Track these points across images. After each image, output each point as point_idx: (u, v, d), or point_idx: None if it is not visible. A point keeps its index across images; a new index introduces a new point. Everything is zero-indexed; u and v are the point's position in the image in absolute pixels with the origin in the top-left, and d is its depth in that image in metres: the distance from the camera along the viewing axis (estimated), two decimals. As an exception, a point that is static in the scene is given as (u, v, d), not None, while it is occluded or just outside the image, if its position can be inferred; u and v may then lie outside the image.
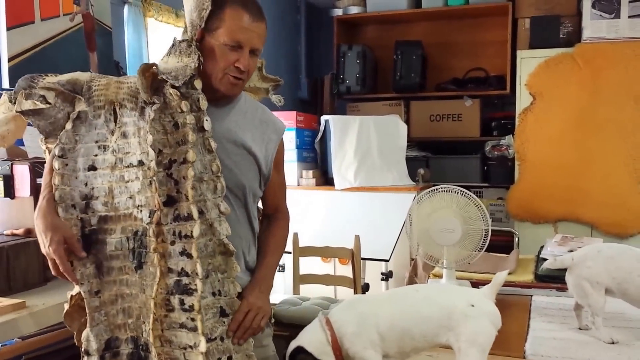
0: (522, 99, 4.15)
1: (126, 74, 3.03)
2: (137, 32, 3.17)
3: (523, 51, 4.21)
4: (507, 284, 2.50)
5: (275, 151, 1.81)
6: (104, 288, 1.57)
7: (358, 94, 4.84)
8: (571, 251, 2.65)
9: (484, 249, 2.46)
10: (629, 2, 3.96)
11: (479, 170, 4.59)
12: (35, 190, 2.13)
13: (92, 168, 1.59)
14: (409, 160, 4.42)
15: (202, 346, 1.48)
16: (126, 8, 3.14)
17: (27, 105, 1.60)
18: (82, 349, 1.58)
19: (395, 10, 4.81)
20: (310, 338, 1.60)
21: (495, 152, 4.45)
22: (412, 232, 2.49)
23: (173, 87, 1.54)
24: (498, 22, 4.59)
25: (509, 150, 4.34)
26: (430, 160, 4.64)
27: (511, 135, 4.32)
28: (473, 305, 1.54)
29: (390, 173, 4.23)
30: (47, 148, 1.71)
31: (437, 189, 2.48)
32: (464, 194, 2.45)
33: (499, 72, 4.61)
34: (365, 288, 3.25)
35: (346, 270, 3.33)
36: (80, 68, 2.69)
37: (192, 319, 1.48)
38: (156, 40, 3.36)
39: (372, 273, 3.56)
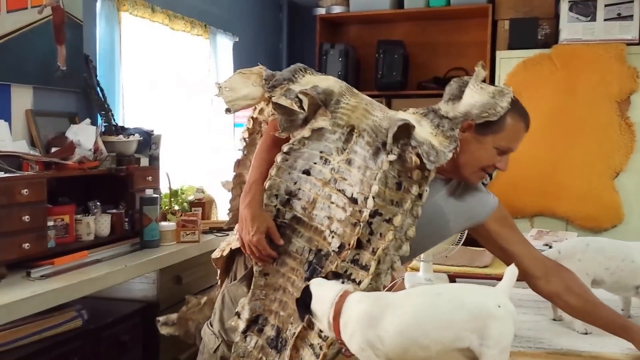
0: (501, 98, 4.22)
1: (96, 68, 3.03)
2: (109, 26, 3.10)
3: (502, 52, 4.30)
4: (483, 276, 2.59)
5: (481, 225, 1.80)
6: (272, 274, 1.70)
7: (341, 92, 4.88)
8: (547, 245, 2.75)
9: (462, 242, 2.54)
10: (605, 5, 4.07)
11: (458, 167, 4.66)
12: None
13: (307, 172, 1.67)
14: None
15: None
16: (99, 1, 3.05)
17: (284, 102, 1.65)
18: (236, 310, 1.74)
19: (378, 11, 4.86)
20: (318, 304, 1.48)
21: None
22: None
23: (417, 155, 1.55)
24: (478, 24, 4.67)
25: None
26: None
27: (490, 133, 4.40)
28: (499, 306, 1.40)
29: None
30: (244, 138, 1.90)
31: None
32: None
33: (479, 72, 4.69)
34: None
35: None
36: (47, 61, 2.72)
37: (320, 347, 1.58)
38: (130, 35, 3.29)
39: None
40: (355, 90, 1.76)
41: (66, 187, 2.55)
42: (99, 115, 3.02)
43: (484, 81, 1.68)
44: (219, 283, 1.98)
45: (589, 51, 4.05)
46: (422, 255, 2.55)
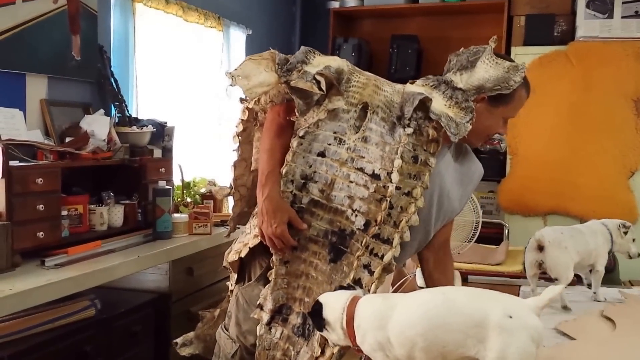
0: (516, 95, 4.20)
1: (110, 59, 3.03)
2: (124, 16, 3.10)
3: (517, 48, 4.26)
4: (496, 274, 2.58)
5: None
6: (293, 261, 1.69)
7: (353, 86, 4.86)
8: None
9: (474, 240, 2.53)
10: (622, 2, 4.03)
11: (471, 163, 4.64)
12: (7, 172, 2.05)
13: (322, 155, 1.67)
14: (402, 152, 4.45)
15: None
16: (113, -9, 3.04)
17: (303, 85, 1.63)
18: (258, 302, 1.72)
19: (392, 5, 4.84)
20: (330, 311, 1.46)
21: (488, 146, 4.51)
22: (405, 222, 2.55)
23: (434, 126, 1.61)
24: (493, 19, 4.63)
25: (501, 144, 4.40)
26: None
27: (504, 130, 4.38)
28: (511, 317, 1.30)
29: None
30: (237, 135, 1.88)
31: (430, 180, 2.53)
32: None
33: (494, 68, 4.66)
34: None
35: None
36: (61, 51, 2.73)
37: None
38: (144, 26, 3.29)
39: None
40: (360, 69, 1.77)
41: (79, 177, 2.56)
42: (112, 106, 3.02)
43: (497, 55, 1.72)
44: (232, 288, 1.93)
45: (606, 49, 4.01)
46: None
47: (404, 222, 1.60)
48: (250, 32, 4.37)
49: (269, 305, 1.70)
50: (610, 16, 4.06)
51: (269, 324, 1.70)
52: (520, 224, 4.03)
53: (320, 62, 1.69)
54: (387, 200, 1.60)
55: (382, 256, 1.61)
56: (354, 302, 1.45)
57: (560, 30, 4.27)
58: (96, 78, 2.98)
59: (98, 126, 2.68)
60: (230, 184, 1.98)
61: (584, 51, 4.06)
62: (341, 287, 1.54)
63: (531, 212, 4.07)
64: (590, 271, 2.12)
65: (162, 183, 2.74)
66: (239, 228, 2.04)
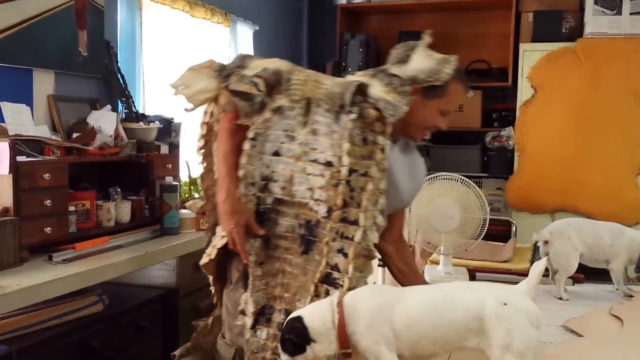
0: (524, 92, 4.19)
1: (116, 54, 3.03)
2: (130, 12, 3.10)
3: (525, 44, 4.25)
4: (504, 271, 2.57)
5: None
6: (267, 261, 1.74)
7: (360, 82, 4.86)
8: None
9: (482, 237, 2.52)
10: (631, -1, 4.02)
11: (478, 160, 4.63)
12: (14, 168, 2.05)
13: (276, 154, 1.73)
14: (409, 149, 4.44)
15: None
16: (120, -14, 3.04)
17: (242, 87, 1.73)
18: (239, 309, 1.76)
19: (399, 1, 4.83)
20: (314, 315, 1.45)
21: (496, 143, 4.50)
22: (411, 219, 2.55)
23: (375, 108, 1.69)
24: (501, 16, 4.62)
25: (509, 142, 4.39)
26: (430, 150, 4.68)
27: (512, 126, 4.36)
28: (506, 304, 1.34)
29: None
30: (200, 149, 1.95)
31: (437, 177, 2.53)
32: (464, 182, 2.50)
33: (501, 65, 4.64)
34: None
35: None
36: (68, 46, 2.73)
37: None
38: (151, 22, 3.29)
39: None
40: (300, 67, 1.84)
41: (87, 172, 2.56)
42: (119, 102, 3.02)
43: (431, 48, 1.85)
44: (213, 290, 1.98)
45: (614, 45, 3.99)
46: (441, 248, 2.53)
47: (365, 201, 1.66)
48: (257, 28, 4.36)
49: (250, 309, 1.73)
50: (619, 12, 4.03)
51: (253, 327, 1.73)
52: (528, 221, 4.01)
53: (258, 65, 1.77)
54: (342, 183, 1.66)
55: (353, 237, 1.66)
56: (340, 301, 1.45)
57: (568, 27, 4.25)
58: (103, 74, 2.99)
59: (105, 122, 2.68)
60: (201, 196, 2.05)
61: (592, 48, 4.04)
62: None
63: (539, 210, 4.06)
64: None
65: (169, 179, 2.74)
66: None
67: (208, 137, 1.97)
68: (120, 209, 2.59)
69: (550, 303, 2.11)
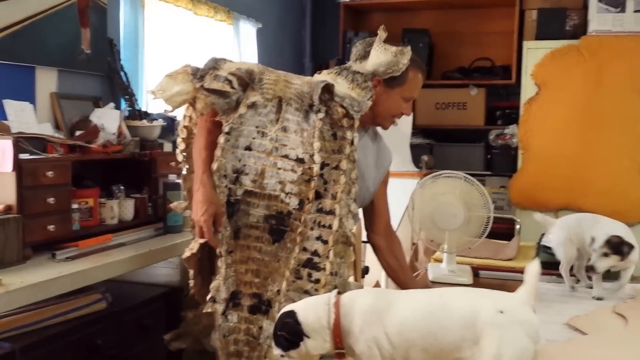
0: (527, 89, 4.18)
1: (119, 52, 3.03)
2: (133, 10, 3.10)
3: (529, 42, 4.24)
4: (508, 269, 2.57)
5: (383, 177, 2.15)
6: (237, 249, 1.85)
7: (364, 80, 4.85)
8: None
9: (485, 235, 2.51)
10: (635, -4, 4.00)
11: (482, 158, 4.63)
12: (18, 165, 2.05)
13: (248, 148, 1.84)
14: (413, 147, 4.44)
15: None
16: (123, -16, 3.04)
17: (216, 85, 1.84)
18: (209, 297, 1.85)
19: (403, -2, 4.83)
20: (309, 311, 1.41)
21: (499, 141, 4.48)
22: (414, 217, 2.54)
23: (341, 105, 1.82)
24: (505, 13, 4.61)
25: (513, 140, 4.38)
26: (434, 148, 4.67)
27: (515, 124, 4.36)
28: (502, 312, 1.26)
29: (394, 159, 4.25)
30: (182, 152, 2.05)
31: (440, 175, 2.52)
32: (468, 180, 2.49)
33: (505, 62, 4.64)
34: (365, 271, 3.30)
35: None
36: (71, 44, 2.73)
37: (316, 290, 1.78)
38: (154, 20, 3.29)
39: (372, 256, 3.59)
40: (271, 68, 1.96)
41: (90, 170, 2.56)
42: (122, 100, 3.02)
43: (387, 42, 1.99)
44: (192, 284, 2.01)
45: (618, 43, 3.98)
46: (445, 246, 2.53)
47: (339, 193, 1.79)
48: (261, 26, 4.36)
49: (222, 295, 1.83)
50: (623, 10, 4.03)
51: (224, 313, 1.83)
52: (532, 219, 3.98)
53: (230, 67, 1.88)
54: (314, 180, 1.78)
55: (330, 226, 1.79)
56: (337, 300, 1.42)
57: (572, 24, 4.23)
58: (106, 71, 2.99)
59: (108, 120, 2.67)
60: (184, 197, 2.13)
61: (596, 45, 4.02)
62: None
63: (543, 208, 4.01)
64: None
65: (172, 177, 2.73)
66: None
67: (188, 140, 2.06)
68: (123, 207, 2.59)
69: (554, 301, 2.11)
